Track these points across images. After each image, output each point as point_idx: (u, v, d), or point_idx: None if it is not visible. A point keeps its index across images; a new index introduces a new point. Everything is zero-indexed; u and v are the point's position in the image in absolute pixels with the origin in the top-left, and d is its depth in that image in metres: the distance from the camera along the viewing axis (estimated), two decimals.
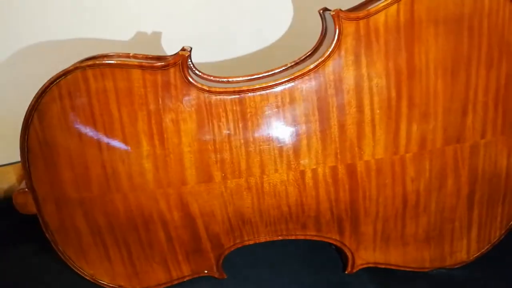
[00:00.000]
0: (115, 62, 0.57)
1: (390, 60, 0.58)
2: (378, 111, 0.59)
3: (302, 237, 0.67)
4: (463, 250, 0.70)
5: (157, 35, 0.84)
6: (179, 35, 0.84)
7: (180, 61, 0.57)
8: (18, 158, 0.61)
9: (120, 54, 0.61)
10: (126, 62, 0.57)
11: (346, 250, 0.68)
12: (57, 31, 0.81)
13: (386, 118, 0.60)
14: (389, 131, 0.60)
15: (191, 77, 0.58)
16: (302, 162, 0.60)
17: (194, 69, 0.62)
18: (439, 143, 0.61)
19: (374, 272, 0.70)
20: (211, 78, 0.64)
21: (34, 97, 0.58)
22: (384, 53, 0.58)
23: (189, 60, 0.60)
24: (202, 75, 0.63)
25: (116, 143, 0.59)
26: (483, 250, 0.70)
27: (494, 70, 0.60)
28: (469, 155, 0.63)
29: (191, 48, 0.62)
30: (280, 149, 0.60)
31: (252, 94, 0.59)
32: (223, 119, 0.59)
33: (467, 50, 0.58)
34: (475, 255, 0.70)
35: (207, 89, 0.58)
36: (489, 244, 0.70)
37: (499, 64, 0.60)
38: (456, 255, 0.70)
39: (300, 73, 0.58)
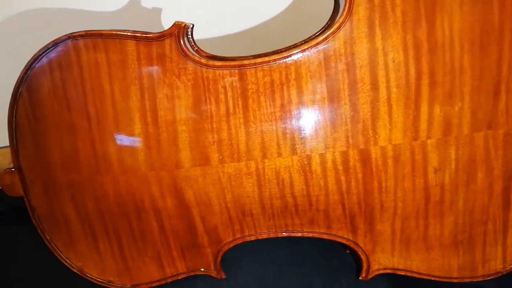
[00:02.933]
0: (108, 32, 0.53)
1: (409, 32, 0.52)
2: (395, 89, 0.53)
3: (309, 235, 0.60)
4: (498, 259, 0.60)
5: (156, 12, 0.80)
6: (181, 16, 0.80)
7: (176, 31, 0.53)
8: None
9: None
10: (119, 33, 0.53)
11: (360, 252, 0.60)
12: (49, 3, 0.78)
13: (404, 97, 0.53)
14: (408, 112, 0.53)
15: (188, 49, 0.54)
16: (308, 145, 0.54)
17: (193, 44, 0.58)
18: (466, 128, 0.54)
19: (392, 279, 0.62)
20: (216, 57, 0.59)
21: (23, 69, 0.55)
22: (401, 25, 0.52)
23: (189, 33, 0.56)
24: (202, 52, 0.59)
25: (107, 120, 0.55)
26: None
27: None
28: (502, 144, 0.55)
29: (193, 25, 0.58)
30: (284, 130, 0.54)
31: (254, 68, 0.53)
32: (222, 96, 0.54)
33: (498, 20, 0.51)
34: None
35: (205, 62, 0.54)
36: None
37: None
38: (490, 264, 0.61)
39: (307, 46, 0.53)
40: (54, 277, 0.66)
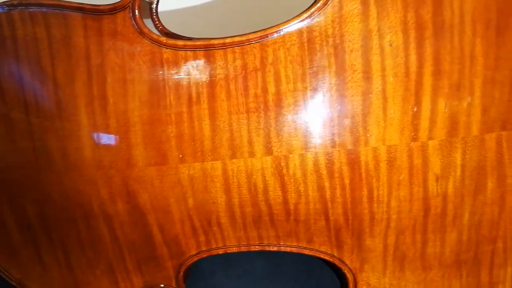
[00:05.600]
0: (49, 2, 0.44)
1: (410, 11, 0.43)
2: (391, 79, 0.44)
3: (287, 249, 0.51)
4: (507, 282, 0.52)
5: None
6: None
7: (130, 4, 0.44)
8: None
9: None
10: (63, 4, 0.45)
11: (346, 271, 0.51)
12: None
13: (402, 89, 0.44)
14: (406, 107, 0.44)
15: (145, 25, 0.45)
16: (286, 144, 0.45)
17: (158, 23, 0.49)
18: (476, 128, 0.45)
19: None
20: (183, 37, 0.50)
21: None
22: (401, 1, 0.43)
23: (153, 9, 0.48)
24: (167, 32, 0.50)
25: (47, 107, 0.46)
26: None
27: None
28: None
29: (158, 0, 0.50)
30: (257, 125, 0.45)
31: (223, 50, 0.44)
32: (183, 82, 0.45)
33: None
34: None
35: (165, 41, 0.45)
36: None
37: None
38: None
39: (286, 25, 0.44)
40: None
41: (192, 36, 0.51)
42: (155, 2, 0.51)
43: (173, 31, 0.53)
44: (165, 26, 0.52)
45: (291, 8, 0.50)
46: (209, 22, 0.70)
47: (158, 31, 0.51)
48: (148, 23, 0.50)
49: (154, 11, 0.51)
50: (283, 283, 0.60)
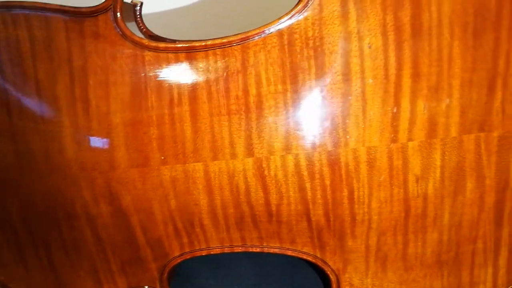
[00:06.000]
0: (31, 4, 0.45)
1: (389, 14, 0.43)
2: (370, 80, 0.44)
3: (270, 251, 0.51)
4: (488, 282, 0.52)
5: None
6: None
7: (111, 6, 0.44)
8: None
9: None
10: (44, 5, 0.45)
11: (329, 272, 0.52)
12: None
13: (381, 91, 0.44)
14: (386, 109, 0.45)
15: (127, 28, 0.45)
16: (267, 146, 0.46)
17: (142, 26, 0.50)
18: (455, 130, 0.46)
19: None
20: (166, 40, 0.51)
21: None
22: (380, 4, 0.43)
23: (137, 12, 0.49)
24: (150, 34, 0.50)
25: (30, 109, 0.46)
26: None
27: None
28: (497, 149, 0.46)
29: (142, 3, 0.50)
30: (239, 127, 0.45)
31: (204, 52, 0.45)
32: (165, 84, 0.45)
33: (495, 2, 0.43)
34: None
35: (147, 44, 0.45)
36: None
37: None
38: None
39: (267, 27, 0.44)
40: None
41: (177, 39, 0.51)
42: (139, 5, 0.51)
43: (160, 33, 0.54)
44: (151, 29, 0.52)
45: (276, 10, 0.51)
46: (195, 24, 0.70)
47: (142, 33, 0.52)
48: (133, 25, 0.51)
49: (138, 13, 0.51)
50: (268, 283, 0.60)
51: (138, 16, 0.51)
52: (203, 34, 0.53)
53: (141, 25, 0.52)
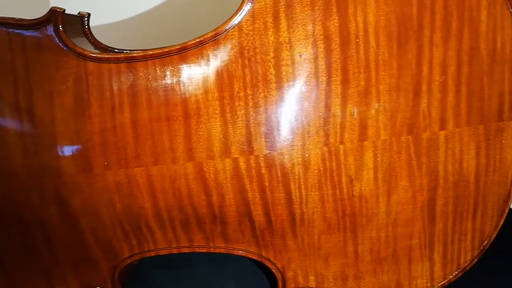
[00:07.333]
0: None
1: (318, 24, 0.46)
2: (302, 88, 0.47)
3: (216, 251, 0.54)
4: (425, 276, 0.55)
5: None
6: None
7: (53, 19, 0.46)
8: None
9: None
10: None
11: (274, 270, 0.54)
12: None
13: (313, 97, 0.47)
14: (317, 114, 0.47)
15: (69, 39, 0.47)
16: (206, 150, 0.48)
17: (90, 36, 0.52)
18: (385, 133, 0.48)
19: None
20: (114, 49, 0.53)
21: None
22: (309, 15, 0.46)
23: (84, 23, 0.51)
24: (100, 44, 0.52)
25: None
26: (451, 277, 0.55)
27: (453, 41, 0.47)
28: (426, 151, 0.49)
29: (89, 14, 0.52)
30: (178, 132, 0.47)
31: (144, 62, 0.47)
32: (107, 93, 0.47)
33: (416, 13, 0.46)
34: (441, 283, 0.55)
35: (89, 54, 0.47)
36: (458, 270, 0.55)
37: (460, 33, 0.47)
38: (416, 282, 0.55)
39: (203, 37, 0.46)
40: None
41: (130, 49, 0.53)
42: (86, 16, 0.53)
43: (115, 45, 0.55)
44: (107, 39, 0.54)
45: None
46: (150, 34, 0.72)
47: (91, 44, 0.53)
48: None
49: (86, 25, 0.53)
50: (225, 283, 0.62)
51: (86, 28, 0.53)
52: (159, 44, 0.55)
53: (89, 36, 0.53)
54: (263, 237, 0.52)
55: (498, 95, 0.49)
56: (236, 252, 0.54)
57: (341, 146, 0.48)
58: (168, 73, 0.47)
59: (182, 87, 0.47)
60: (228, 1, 0.54)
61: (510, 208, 0.53)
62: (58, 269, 0.54)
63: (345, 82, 0.47)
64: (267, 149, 0.48)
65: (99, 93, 0.47)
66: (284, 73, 0.46)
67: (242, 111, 0.47)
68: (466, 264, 0.54)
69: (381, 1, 0.45)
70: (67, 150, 0.48)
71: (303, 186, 0.49)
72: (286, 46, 0.46)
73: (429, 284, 0.55)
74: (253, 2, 0.45)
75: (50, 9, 0.46)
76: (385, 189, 0.50)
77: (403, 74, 0.47)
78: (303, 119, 0.47)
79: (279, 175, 0.48)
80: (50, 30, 0.46)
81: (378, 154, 0.49)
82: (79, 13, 0.53)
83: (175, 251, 0.53)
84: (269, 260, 0.54)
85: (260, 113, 0.47)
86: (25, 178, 0.49)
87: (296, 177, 0.48)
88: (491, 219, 0.53)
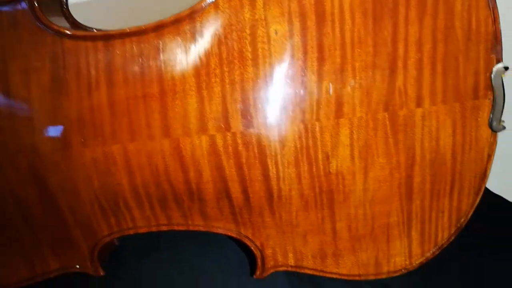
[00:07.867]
0: None
1: (293, 1, 0.46)
2: (278, 64, 0.47)
3: (195, 228, 0.54)
4: (403, 254, 0.56)
5: None
6: None
7: None
8: None
9: None
10: None
11: (253, 247, 0.55)
12: None
13: (289, 74, 0.47)
14: (294, 91, 0.47)
15: (46, 16, 0.47)
16: (182, 126, 0.48)
17: (67, 14, 0.52)
18: (361, 110, 0.48)
19: (294, 278, 0.57)
20: (93, 29, 0.53)
21: None
22: None
23: (63, 2, 0.50)
24: (78, 24, 0.52)
25: None
26: (429, 254, 0.56)
27: (428, 18, 0.47)
28: (402, 128, 0.50)
29: None
30: (154, 109, 0.48)
31: (121, 39, 0.47)
32: (84, 71, 0.47)
33: None
34: (419, 261, 0.56)
35: (65, 32, 0.47)
36: (436, 247, 0.55)
37: (434, 12, 0.47)
38: (395, 260, 0.56)
39: (182, 15, 0.46)
40: None
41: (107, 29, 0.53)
42: None
43: (99, 25, 0.55)
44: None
45: None
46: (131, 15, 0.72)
47: (70, 23, 0.53)
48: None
49: (64, 3, 0.53)
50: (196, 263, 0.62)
51: (65, 8, 0.53)
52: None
53: (68, 16, 0.53)
54: (241, 214, 0.53)
55: (473, 73, 0.49)
56: (215, 230, 0.54)
57: (317, 123, 0.48)
58: (144, 50, 0.47)
59: (158, 64, 0.47)
60: None
61: (486, 187, 0.54)
62: (38, 247, 0.54)
63: (321, 59, 0.47)
64: (244, 126, 0.48)
65: (75, 70, 0.47)
66: (260, 50, 0.46)
67: (219, 88, 0.47)
68: (443, 242, 0.55)
69: None
70: (44, 128, 0.48)
71: (280, 163, 0.49)
72: (262, 23, 0.46)
73: (407, 262, 0.56)
74: None
75: None
76: (361, 166, 0.51)
77: (379, 52, 0.47)
78: (280, 96, 0.47)
79: (256, 152, 0.49)
80: (24, 5, 0.46)
81: (354, 131, 0.49)
82: None
83: (154, 229, 0.54)
84: (247, 237, 0.54)
85: (237, 90, 0.47)
86: (0, 158, 0.49)
87: (273, 153, 0.49)
88: (467, 197, 0.54)
